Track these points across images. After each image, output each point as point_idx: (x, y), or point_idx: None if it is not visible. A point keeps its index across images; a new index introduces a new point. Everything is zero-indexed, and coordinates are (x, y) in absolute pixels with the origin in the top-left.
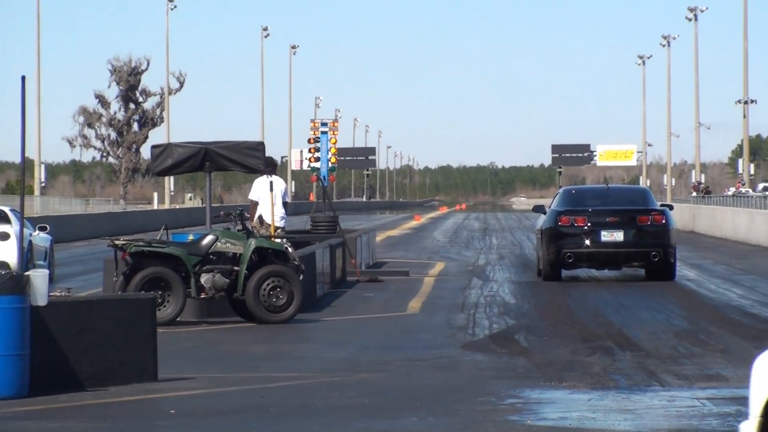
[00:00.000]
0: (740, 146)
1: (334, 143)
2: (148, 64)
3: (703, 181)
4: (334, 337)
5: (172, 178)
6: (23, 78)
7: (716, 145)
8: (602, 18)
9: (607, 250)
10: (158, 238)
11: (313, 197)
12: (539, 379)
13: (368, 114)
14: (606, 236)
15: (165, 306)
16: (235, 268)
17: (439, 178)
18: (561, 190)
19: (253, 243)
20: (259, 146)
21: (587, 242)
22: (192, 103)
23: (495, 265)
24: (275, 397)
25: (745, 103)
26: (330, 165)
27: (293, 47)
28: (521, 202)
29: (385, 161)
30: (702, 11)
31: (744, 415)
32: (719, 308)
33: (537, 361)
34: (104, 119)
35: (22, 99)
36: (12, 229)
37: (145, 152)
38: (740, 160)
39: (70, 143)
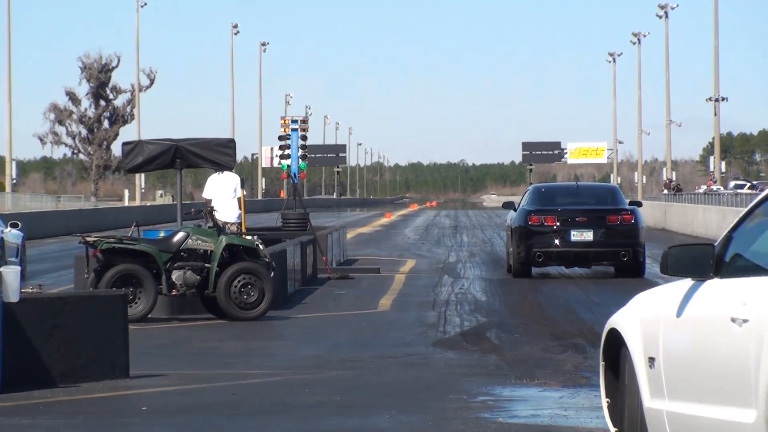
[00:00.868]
0: (711, 144)
1: (305, 140)
2: (119, 61)
3: (674, 178)
4: (305, 335)
5: (143, 175)
6: None
7: (687, 143)
8: (573, 15)
9: (576, 249)
10: (129, 235)
11: (283, 194)
12: (510, 377)
13: (339, 111)
14: (576, 235)
15: (136, 303)
16: (207, 265)
17: (409, 175)
18: (531, 188)
19: (224, 240)
20: (230, 143)
21: (557, 241)
22: (163, 100)
23: (466, 262)
24: (247, 394)
25: (716, 100)
26: (300, 162)
27: (263, 44)
28: (492, 199)
29: (355, 158)
30: (672, 9)
31: None
32: None
33: (508, 358)
34: (75, 116)
35: None
36: None
37: (116, 149)
38: (711, 158)
39: (41, 140)
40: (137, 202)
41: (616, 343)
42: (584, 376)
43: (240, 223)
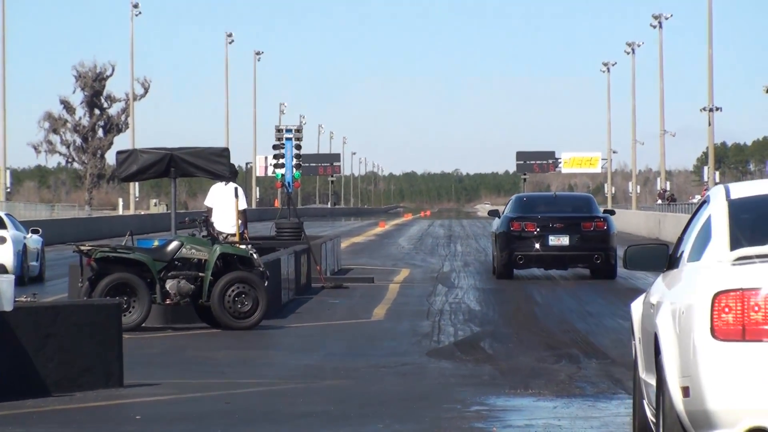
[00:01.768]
0: (705, 154)
1: (299, 149)
2: (113, 69)
3: (668, 188)
4: (299, 344)
5: (137, 184)
6: None
7: (681, 153)
8: (567, 25)
9: (554, 253)
10: (123, 243)
11: (277, 204)
12: (505, 387)
13: (333, 120)
14: (553, 240)
15: (130, 312)
16: (201, 274)
17: (403, 185)
18: (513, 197)
19: (218, 249)
20: (224, 152)
21: (537, 246)
22: (157, 109)
23: (460, 272)
24: (241, 404)
25: (710, 110)
26: (294, 171)
27: (258, 53)
28: (486, 209)
29: (349, 168)
30: (666, 18)
31: None
32: None
33: (502, 368)
34: (69, 125)
35: None
36: (8, 233)
37: (110, 158)
38: (705, 168)
39: (36, 149)
40: (131, 211)
41: None
42: (578, 386)
43: (242, 233)
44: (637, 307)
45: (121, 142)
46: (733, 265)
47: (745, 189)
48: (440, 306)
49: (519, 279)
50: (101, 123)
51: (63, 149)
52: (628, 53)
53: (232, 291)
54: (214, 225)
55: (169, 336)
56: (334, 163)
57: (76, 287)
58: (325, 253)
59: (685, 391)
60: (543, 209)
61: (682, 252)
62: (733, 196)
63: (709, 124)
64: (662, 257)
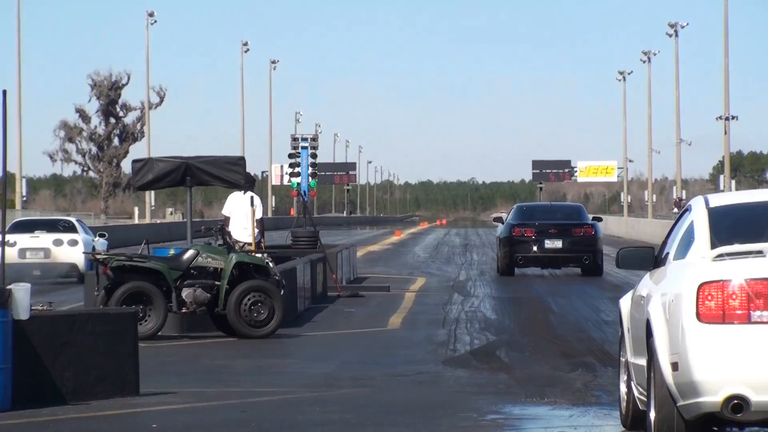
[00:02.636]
0: (721, 162)
1: (315, 158)
2: (129, 78)
3: (684, 197)
4: (315, 352)
5: (152, 192)
6: (4, 92)
7: (697, 161)
8: (583, 34)
9: (549, 254)
10: (139, 252)
11: (293, 212)
12: (521, 395)
13: (349, 129)
14: (549, 244)
15: (146, 320)
16: (216, 282)
17: (419, 194)
18: (515, 206)
19: (234, 258)
20: (240, 161)
21: (534, 248)
22: (172, 117)
23: (476, 280)
24: (257, 412)
25: (726, 119)
26: (310, 180)
27: (273, 62)
28: None
29: (365, 176)
30: (683, 27)
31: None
32: None
33: (518, 377)
34: (85, 133)
35: (3, 113)
36: (80, 236)
37: (126, 167)
38: (721, 177)
39: (51, 157)
40: (147, 220)
41: None
42: (594, 394)
43: (258, 242)
44: (625, 302)
45: (137, 150)
46: (714, 261)
47: (721, 199)
48: (456, 315)
49: (533, 287)
50: (117, 132)
51: (78, 158)
52: (644, 62)
53: (248, 300)
54: (231, 234)
55: (185, 345)
56: (350, 172)
57: (92, 296)
58: (341, 261)
59: (674, 366)
60: (540, 217)
61: (667, 253)
62: (712, 204)
63: (725, 133)
64: (649, 258)
